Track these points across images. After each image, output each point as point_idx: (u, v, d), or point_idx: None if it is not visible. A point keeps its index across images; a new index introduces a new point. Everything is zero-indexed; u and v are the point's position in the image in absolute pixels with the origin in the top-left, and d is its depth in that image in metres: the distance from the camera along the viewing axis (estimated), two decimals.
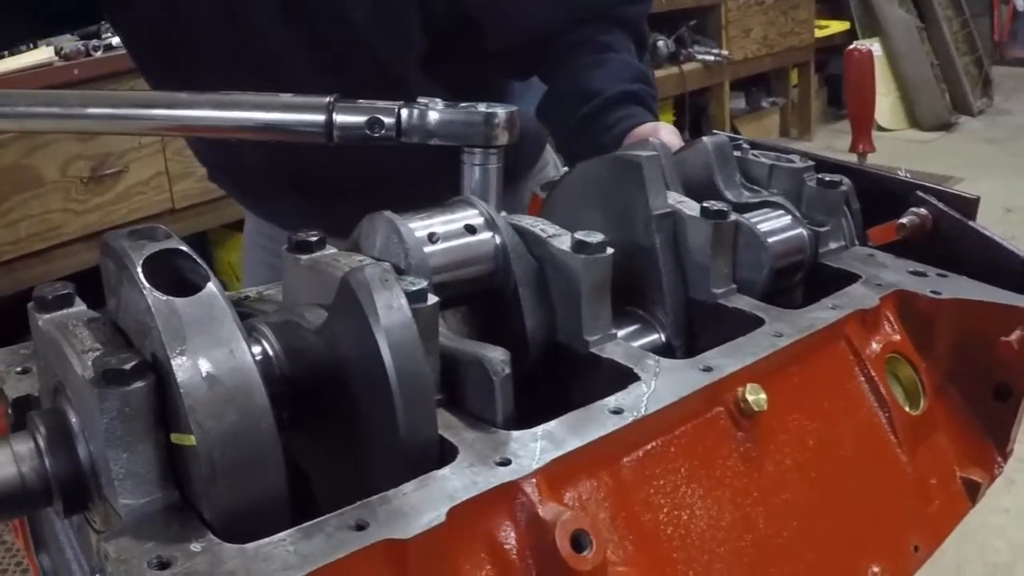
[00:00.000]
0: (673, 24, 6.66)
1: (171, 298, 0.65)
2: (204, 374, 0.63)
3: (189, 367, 0.63)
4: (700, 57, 6.79)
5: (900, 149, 8.02)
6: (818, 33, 8.34)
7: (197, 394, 0.63)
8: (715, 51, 6.89)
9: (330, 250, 0.88)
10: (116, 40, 3.71)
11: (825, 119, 8.92)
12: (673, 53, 6.63)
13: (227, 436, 0.63)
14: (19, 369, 0.93)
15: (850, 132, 3.13)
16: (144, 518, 0.65)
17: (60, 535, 0.92)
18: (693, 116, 7.01)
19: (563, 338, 0.95)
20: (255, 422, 0.65)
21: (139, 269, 0.66)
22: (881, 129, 8.64)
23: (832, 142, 8.01)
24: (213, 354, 0.64)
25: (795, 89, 8.43)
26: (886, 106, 8.79)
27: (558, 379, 0.93)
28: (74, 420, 0.70)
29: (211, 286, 0.67)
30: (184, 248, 0.70)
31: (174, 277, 0.68)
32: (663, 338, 1.06)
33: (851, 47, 2.62)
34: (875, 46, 8.70)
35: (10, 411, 0.89)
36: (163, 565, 0.61)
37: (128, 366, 0.63)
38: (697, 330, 1.06)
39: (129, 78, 3.66)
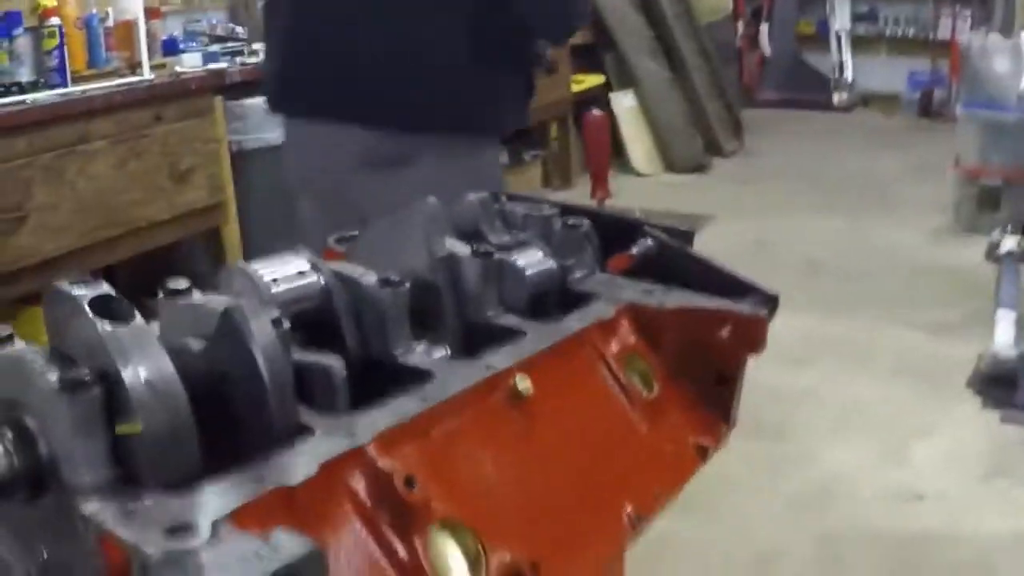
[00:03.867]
0: None
1: (115, 327, 0.94)
2: (143, 380, 0.92)
3: (133, 375, 0.92)
4: None
5: (657, 191, 8.53)
6: (575, 87, 8.73)
7: (141, 393, 0.91)
8: None
9: (197, 294, 1.16)
10: None
11: (584, 168, 9.38)
12: None
13: (162, 423, 0.92)
14: None
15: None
16: (104, 489, 0.92)
17: None
18: None
19: (375, 352, 1.26)
20: (180, 413, 0.93)
21: (87, 307, 0.95)
22: (639, 175, 9.15)
23: (582, 189, 8.47)
24: (148, 365, 0.93)
25: (555, 142, 8.78)
26: (641, 152, 9.30)
27: (375, 382, 1.23)
28: (31, 424, 0.96)
29: (139, 317, 0.96)
30: (112, 291, 0.98)
31: (106, 309, 0.96)
32: (448, 352, 1.36)
33: (589, 111, 3.03)
34: (628, 97, 9.21)
35: None
36: (128, 514, 0.88)
37: (87, 377, 0.91)
38: (476, 344, 1.35)
39: None
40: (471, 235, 1.50)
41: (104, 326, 0.94)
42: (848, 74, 11.75)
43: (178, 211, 4.92)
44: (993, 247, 5.28)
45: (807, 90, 11.90)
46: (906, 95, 11.70)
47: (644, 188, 8.73)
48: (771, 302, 1.48)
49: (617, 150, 8.80)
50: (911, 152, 9.61)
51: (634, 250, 1.60)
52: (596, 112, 3.00)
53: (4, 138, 4.12)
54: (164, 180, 4.79)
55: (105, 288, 0.98)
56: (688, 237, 1.65)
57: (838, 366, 5.01)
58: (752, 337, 1.46)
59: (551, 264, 1.49)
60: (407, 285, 1.27)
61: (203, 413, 0.97)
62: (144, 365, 0.93)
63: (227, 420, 1.02)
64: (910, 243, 6.97)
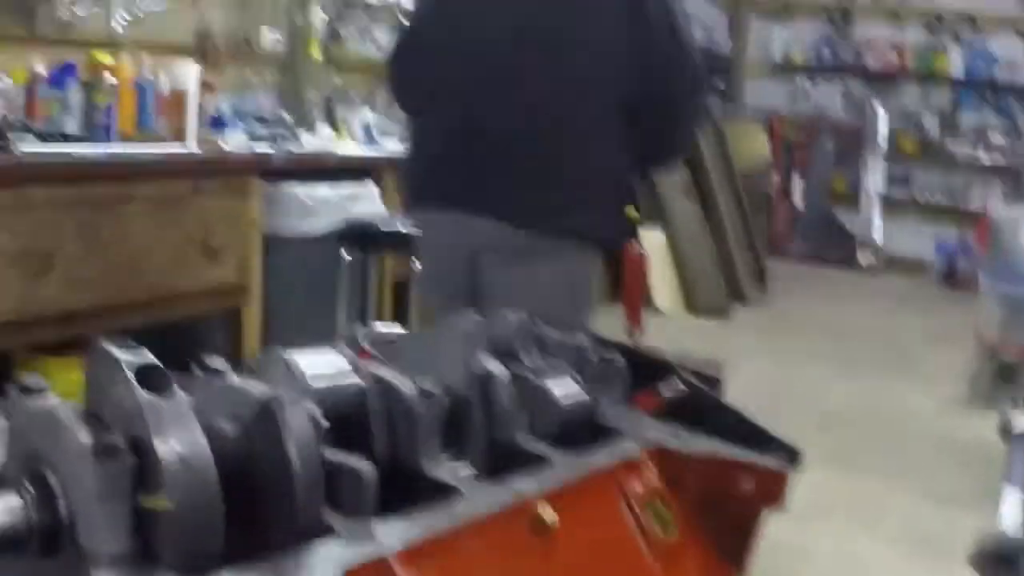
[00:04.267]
0: None
1: (156, 398, 0.93)
2: (178, 455, 0.91)
3: (167, 449, 0.90)
4: None
5: (676, 332, 8.49)
6: None
7: (174, 469, 0.90)
8: None
9: (234, 376, 1.15)
10: None
11: (608, 299, 9.38)
12: None
13: (191, 502, 0.90)
14: None
15: (623, 313, 3.56)
16: (119, 560, 0.90)
17: None
18: None
19: (403, 460, 1.24)
20: (210, 494, 0.92)
21: (132, 376, 0.94)
22: (660, 314, 9.13)
23: (608, 320, 8.47)
24: (184, 441, 0.92)
25: None
26: (665, 292, 9.28)
27: (400, 489, 1.21)
28: (54, 482, 0.94)
29: (179, 391, 0.95)
30: (156, 362, 0.97)
31: (148, 379, 0.95)
32: (470, 467, 1.35)
33: (632, 245, 3.12)
34: (658, 234, 9.21)
35: None
36: None
37: (121, 444, 0.90)
38: (501, 465, 1.34)
39: None
40: (506, 355, 1.49)
41: (145, 395, 0.93)
42: (877, 235, 11.80)
43: (204, 286, 4.90)
44: (1005, 423, 5.23)
45: (835, 247, 11.94)
46: (932, 262, 11.72)
47: (664, 327, 8.69)
48: (794, 457, 1.47)
49: None
50: (933, 319, 9.61)
51: (664, 391, 1.60)
52: (639, 247, 3.07)
53: (44, 186, 4.13)
54: (195, 252, 4.79)
55: (150, 357, 0.97)
56: (715, 383, 1.65)
57: (843, 525, 4.95)
58: (773, 491, 1.46)
59: (583, 395, 1.48)
60: (443, 397, 1.26)
61: (229, 499, 0.96)
62: (180, 441, 0.92)
63: (252, 509, 1.01)
64: (925, 409, 6.92)
